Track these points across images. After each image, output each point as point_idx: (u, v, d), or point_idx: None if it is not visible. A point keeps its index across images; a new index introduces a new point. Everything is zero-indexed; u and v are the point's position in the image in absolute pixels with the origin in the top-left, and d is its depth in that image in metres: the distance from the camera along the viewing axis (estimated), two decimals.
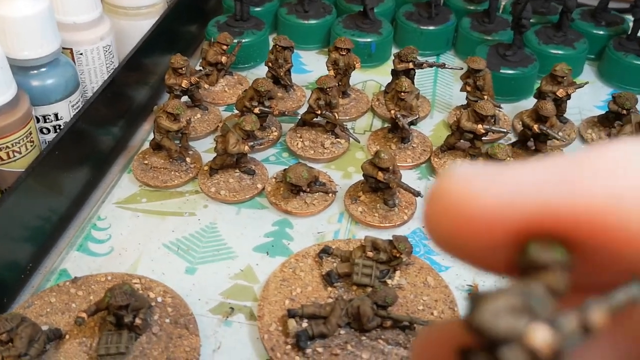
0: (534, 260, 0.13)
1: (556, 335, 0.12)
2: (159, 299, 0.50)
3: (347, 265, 0.52)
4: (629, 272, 0.13)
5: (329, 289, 0.52)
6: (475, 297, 0.13)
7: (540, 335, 0.12)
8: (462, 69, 0.71)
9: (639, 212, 0.12)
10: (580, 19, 0.82)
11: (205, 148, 0.67)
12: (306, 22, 0.83)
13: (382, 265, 0.51)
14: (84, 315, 0.44)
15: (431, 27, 0.81)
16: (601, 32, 0.80)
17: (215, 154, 0.61)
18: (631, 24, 0.77)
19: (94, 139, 0.62)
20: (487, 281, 0.53)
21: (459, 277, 0.54)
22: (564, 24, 0.76)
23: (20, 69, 0.54)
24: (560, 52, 0.76)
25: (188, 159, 0.64)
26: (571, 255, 0.13)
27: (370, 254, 0.51)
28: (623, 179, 0.13)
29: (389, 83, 0.73)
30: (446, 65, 0.73)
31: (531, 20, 0.73)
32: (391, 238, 0.51)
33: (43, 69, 0.55)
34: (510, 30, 0.75)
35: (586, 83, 0.69)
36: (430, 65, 0.70)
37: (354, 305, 0.47)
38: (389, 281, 0.52)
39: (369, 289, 0.50)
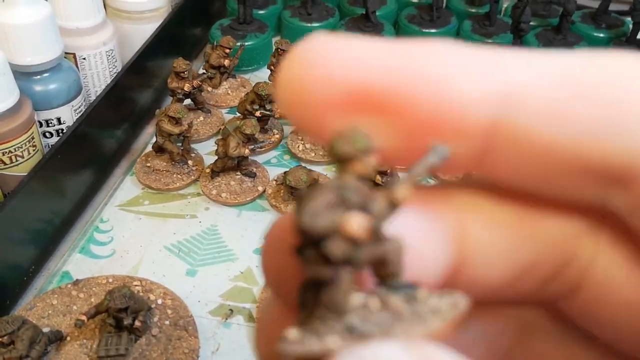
0: (340, 154, 0.14)
1: (369, 218, 0.13)
2: (159, 301, 0.51)
3: None
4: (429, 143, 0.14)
5: None
6: (298, 198, 0.14)
7: (355, 223, 0.13)
8: None
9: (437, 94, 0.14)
10: (581, 21, 0.82)
11: (207, 150, 0.68)
12: (309, 24, 0.83)
13: None
14: (83, 317, 0.45)
15: (433, 30, 0.82)
16: (601, 35, 0.80)
17: (216, 157, 0.62)
18: (631, 27, 0.77)
19: (97, 142, 0.63)
20: None
21: None
22: (564, 27, 0.77)
23: (22, 74, 0.54)
24: None
25: (190, 162, 0.65)
26: (373, 139, 0.14)
27: None
28: (433, 66, 0.14)
29: None
30: None
31: (531, 23, 0.73)
32: None
33: (46, 74, 0.56)
34: (510, 34, 0.76)
35: None
36: None
37: None
38: None
39: None
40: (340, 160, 0.14)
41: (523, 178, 0.16)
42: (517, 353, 0.20)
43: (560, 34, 0.77)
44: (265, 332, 0.18)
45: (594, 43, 0.79)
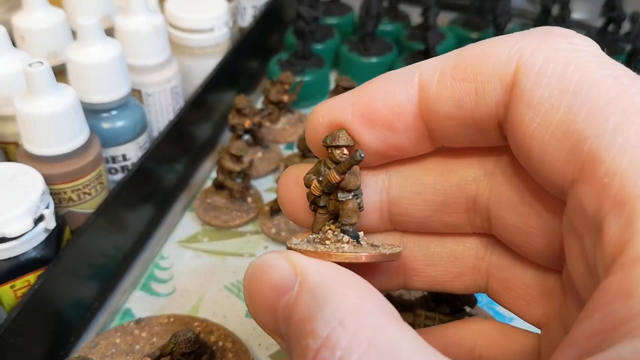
0: (327, 144, 0.28)
1: (320, 183, 0.28)
2: (220, 343, 0.50)
3: (409, 315, 0.51)
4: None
5: None
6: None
7: (313, 184, 0.28)
8: None
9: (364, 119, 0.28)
10: None
11: (266, 187, 0.67)
12: (367, 59, 0.83)
13: (445, 317, 0.50)
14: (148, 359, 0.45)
15: None
16: None
17: (276, 195, 0.61)
18: None
19: (158, 178, 0.63)
20: None
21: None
22: (632, 65, 0.74)
23: (91, 112, 0.55)
24: None
25: (249, 199, 0.64)
26: (352, 141, 0.28)
27: (432, 304, 0.50)
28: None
29: None
30: None
31: None
32: None
33: (114, 112, 0.56)
34: None
35: None
36: None
37: None
38: None
39: None
40: (325, 147, 0.28)
41: (452, 139, 0.28)
42: (481, 264, 0.32)
43: None
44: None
45: None
